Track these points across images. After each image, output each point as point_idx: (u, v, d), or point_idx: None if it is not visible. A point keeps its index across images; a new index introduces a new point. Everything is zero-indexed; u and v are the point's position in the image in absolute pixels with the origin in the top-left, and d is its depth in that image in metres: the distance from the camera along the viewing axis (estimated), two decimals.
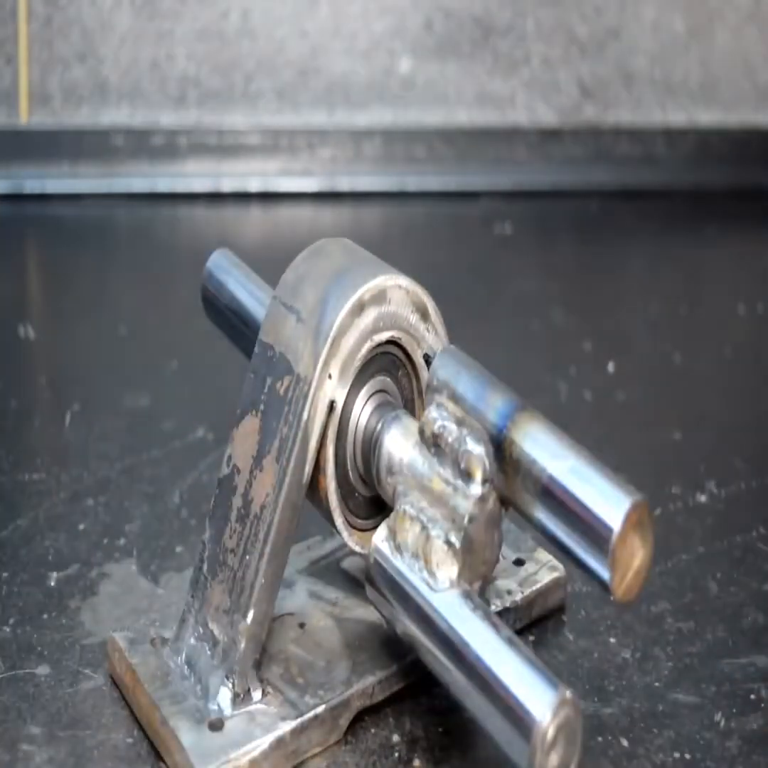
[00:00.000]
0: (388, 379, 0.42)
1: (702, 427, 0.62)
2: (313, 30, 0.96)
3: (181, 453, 0.58)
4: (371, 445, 0.41)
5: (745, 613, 0.48)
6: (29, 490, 0.56)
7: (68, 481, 0.56)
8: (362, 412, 0.41)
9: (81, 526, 0.53)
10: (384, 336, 0.41)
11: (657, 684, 0.44)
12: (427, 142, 0.97)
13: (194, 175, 0.93)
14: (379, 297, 0.40)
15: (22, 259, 0.86)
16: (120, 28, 0.95)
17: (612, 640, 0.46)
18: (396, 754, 0.41)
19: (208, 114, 0.96)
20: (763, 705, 0.43)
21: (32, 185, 0.91)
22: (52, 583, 0.49)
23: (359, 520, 0.43)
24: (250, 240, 0.90)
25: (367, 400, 0.42)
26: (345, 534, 0.42)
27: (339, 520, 0.42)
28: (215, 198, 0.92)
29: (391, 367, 0.42)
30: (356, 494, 0.42)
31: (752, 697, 0.43)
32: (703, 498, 0.55)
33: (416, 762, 0.40)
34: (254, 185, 0.93)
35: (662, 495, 0.55)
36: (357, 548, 0.42)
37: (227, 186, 0.93)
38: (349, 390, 0.40)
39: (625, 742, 0.41)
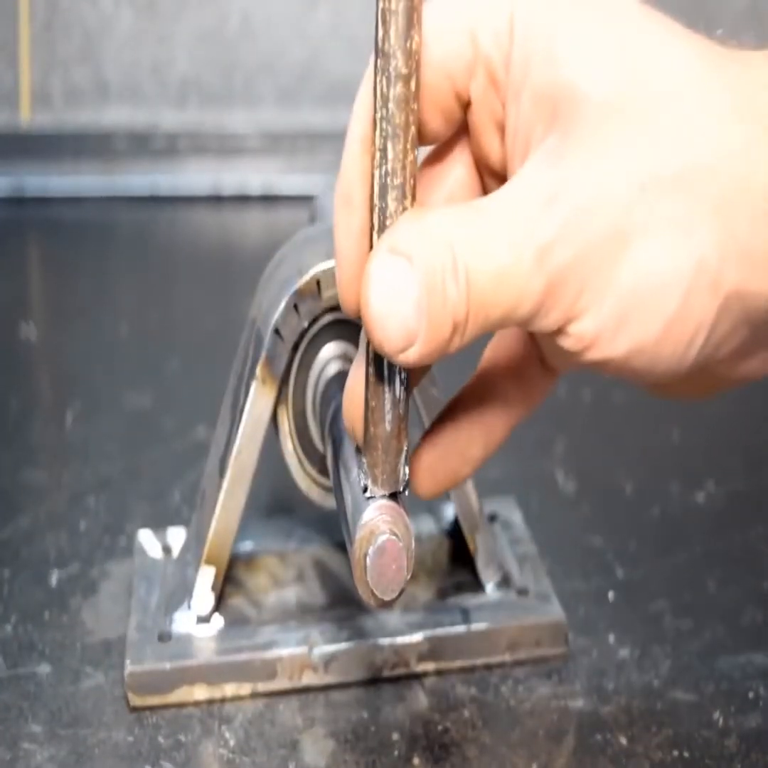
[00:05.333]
0: None
1: (700, 426, 0.62)
2: (313, 31, 0.96)
3: (181, 452, 0.58)
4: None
5: (744, 612, 0.48)
6: (30, 489, 0.56)
7: (69, 480, 0.56)
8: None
9: (82, 525, 0.53)
10: None
11: (655, 682, 0.44)
12: None
13: (195, 176, 0.93)
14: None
15: (22, 259, 0.86)
16: (121, 30, 0.95)
17: (611, 638, 0.46)
18: (395, 753, 0.41)
19: (209, 115, 0.97)
20: (761, 703, 0.43)
21: (33, 186, 0.91)
22: (53, 582, 0.49)
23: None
24: (250, 241, 0.90)
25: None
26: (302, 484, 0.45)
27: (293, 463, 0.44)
28: (216, 199, 0.92)
29: None
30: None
31: (750, 695, 0.43)
32: (701, 497, 0.55)
33: (415, 760, 0.41)
34: (255, 187, 0.93)
35: (661, 494, 0.55)
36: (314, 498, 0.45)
37: (228, 187, 0.93)
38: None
39: (623, 741, 0.41)
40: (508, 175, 0.31)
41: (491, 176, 0.33)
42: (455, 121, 0.32)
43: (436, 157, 0.33)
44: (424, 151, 0.33)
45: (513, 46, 0.29)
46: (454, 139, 0.32)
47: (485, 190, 0.33)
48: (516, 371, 0.35)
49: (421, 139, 0.31)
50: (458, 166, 0.33)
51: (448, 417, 0.35)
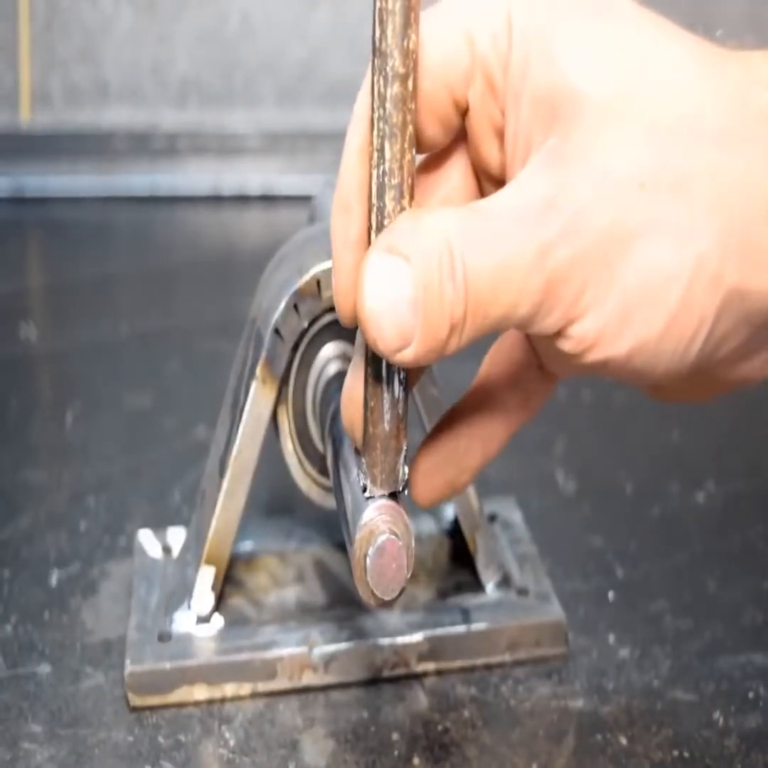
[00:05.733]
0: None
1: (700, 426, 0.62)
2: (313, 31, 0.96)
3: (181, 452, 0.59)
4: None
5: (744, 612, 0.48)
6: (30, 489, 0.56)
7: (69, 479, 0.56)
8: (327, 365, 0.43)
9: (82, 525, 0.53)
10: None
11: (656, 682, 0.44)
12: None
13: (195, 176, 0.93)
14: None
15: (22, 259, 0.86)
16: (121, 30, 0.95)
17: (611, 638, 0.46)
18: (395, 753, 0.41)
19: (209, 115, 0.97)
20: (761, 703, 0.43)
21: (33, 186, 0.91)
22: (54, 582, 0.49)
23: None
24: (250, 241, 0.90)
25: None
26: (303, 484, 0.45)
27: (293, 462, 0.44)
28: (215, 199, 0.92)
29: None
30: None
31: (750, 695, 0.43)
32: (701, 497, 0.55)
33: (415, 760, 0.41)
34: (255, 187, 0.93)
35: (661, 494, 0.55)
36: (313, 497, 0.45)
37: (227, 187, 0.93)
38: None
39: (623, 741, 0.41)
40: (507, 180, 0.31)
41: (490, 181, 0.32)
42: (453, 129, 0.31)
43: (432, 163, 0.33)
44: (419, 158, 0.32)
45: (511, 48, 0.29)
46: (450, 145, 0.32)
47: (482, 196, 0.33)
48: (514, 379, 0.35)
49: (419, 146, 0.30)
50: (455, 173, 0.33)
51: (446, 426, 0.35)
